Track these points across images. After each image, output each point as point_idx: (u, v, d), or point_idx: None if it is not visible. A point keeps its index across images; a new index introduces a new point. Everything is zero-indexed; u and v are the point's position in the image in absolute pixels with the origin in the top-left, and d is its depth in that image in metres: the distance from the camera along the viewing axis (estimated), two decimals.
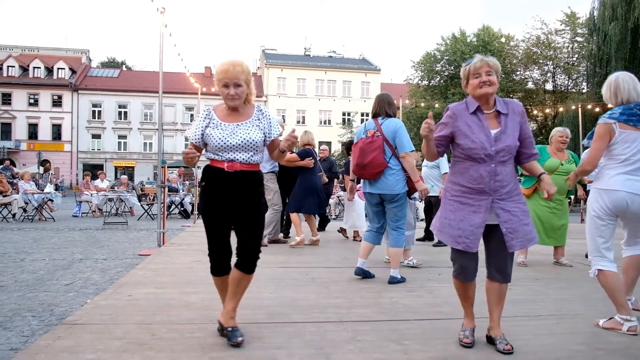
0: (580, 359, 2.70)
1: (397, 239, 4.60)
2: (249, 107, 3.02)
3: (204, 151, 2.97)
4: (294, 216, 7.08)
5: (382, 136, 4.56)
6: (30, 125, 42.90)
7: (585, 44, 30.85)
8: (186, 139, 3.04)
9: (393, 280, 4.56)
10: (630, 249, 3.41)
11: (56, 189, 24.50)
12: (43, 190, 14.37)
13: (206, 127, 2.92)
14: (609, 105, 3.35)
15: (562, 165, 5.62)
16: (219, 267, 3.02)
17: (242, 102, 2.97)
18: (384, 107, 4.71)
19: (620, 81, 3.23)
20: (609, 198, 3.18)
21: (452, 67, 36.93)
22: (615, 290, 3.15)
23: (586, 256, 5.76)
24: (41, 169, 35.41)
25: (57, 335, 2.91)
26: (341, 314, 3.51)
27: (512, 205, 2.78)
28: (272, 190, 6.91)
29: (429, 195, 5.16)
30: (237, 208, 2.91)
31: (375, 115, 4.75)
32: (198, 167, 7.98)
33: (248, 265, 2.93)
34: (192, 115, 44.34)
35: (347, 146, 8.02)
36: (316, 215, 7.68)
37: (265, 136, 2.98)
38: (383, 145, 4.55)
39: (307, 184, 7.08)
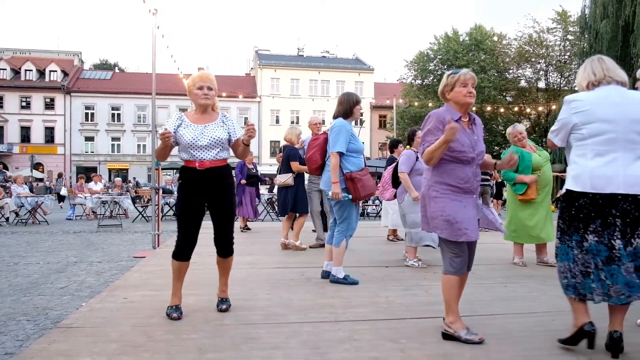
0: (575, 355, 2.72)
1: (335, 237, 4.52)
2: (215, 113, 3.54)
3: (176, 149, 3.44)
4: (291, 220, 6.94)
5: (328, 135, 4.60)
6: (22, 128, 42.59)
7: (576, 42, 31.05)
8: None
9: (332, 279, 4.49)
10: None
11: (50, 192, 24.47)
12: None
13: (178, 126, 3.39)
14: None
15: (540, 155, 5.66)
16: (182, 254, 3.45)
17: (212, 105, 3.48)
18: (336, 110, 4.66)
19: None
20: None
21: (445, 66, 36.99)
22: None
23: None
24: (43, 174, 35.34)
25: (52, 339, 2.90)
26: (337, 313, 3.52)
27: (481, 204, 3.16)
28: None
29: None
30: (210, 201, 3.41)
31: (334, 117, 4.71)
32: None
33: (225, 251, 3.51)
34: None
35: (393, 143, 7.67)
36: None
37: (230, 135, 3.46)
38: (324, 143, 4.65)
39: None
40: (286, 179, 6.68)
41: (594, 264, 2.68)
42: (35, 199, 13.36)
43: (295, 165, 6.68)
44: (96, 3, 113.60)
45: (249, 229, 9.50)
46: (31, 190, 18.24)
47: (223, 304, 3.52)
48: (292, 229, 6.86)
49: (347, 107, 4.55)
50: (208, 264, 5.52)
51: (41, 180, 37.58)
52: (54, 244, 8.51)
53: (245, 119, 45.80)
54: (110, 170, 42.74)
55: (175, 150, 3.53)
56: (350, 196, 4.36)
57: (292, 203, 6.72)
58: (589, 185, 2.68)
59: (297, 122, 44.40)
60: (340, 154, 4.39)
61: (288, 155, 6.82)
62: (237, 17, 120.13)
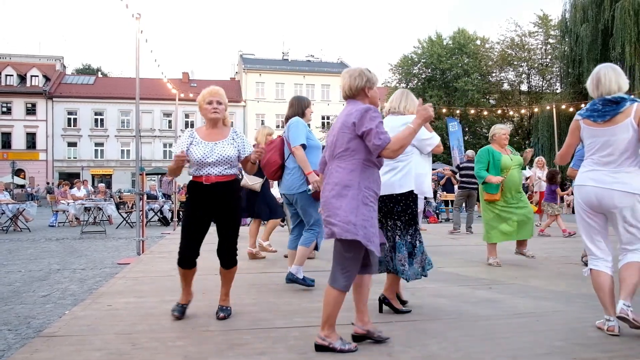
0: (559, 355, 2.75)
1: (305, 237, 4.47)
2: (226, 128, 3.61)
3: (187, 165, 3.48)
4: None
5: (284, 136, 4.57)
6: (3, 134, 41.94)
7: (557, 45, 31.56)
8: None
9: (290, 278, 4.40)
10: (628, 254, 3.12)
11: (32, 199, 24.06)
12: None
13: (190, 144, 3.46)
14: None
15: (512, 159, 5.75)
16: (186, 262, 3.50)
17: (222, 119, 3.56)
18: (290, 111, 4.63)
19: (601, 74, 3.17)
20: (579, 194, 3.21)
21: (429, 70, 37.35)
22: (600, 291, 3.14)
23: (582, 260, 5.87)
24: (25, 181, 34.78)
25: (34, 349, 2.85)
26: None
27: None
28: None
29: None
30: (215, 214, 3.49)
31: (286, 121, 4.69)
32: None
33: (227, 263, 3.56)
34: (169, 122, 43.88)
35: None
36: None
37: (240, 152, 3.54)
38: (281, 144, 4.59)
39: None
40: (254, 182, 6.38)
41: None
42: (16, 206, 13.15)
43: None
44: (79, 7, 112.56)
45: None
46: (12, 197, 17.96)
47: (222, 312, 3.52)
48: (250, 235, 6.56)
49: (299, 110, 4.59)
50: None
51: (22, 187, 37.03)
52: (36, 252, 8.38)
53: (231, 123, 45.61)
54: (93, 176, 42.21)
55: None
56: (312, 189, 4.23)
57: (263, 208, 6.48)
58: None
59: (283, 127, 44.34)
60: (303, 147, 4.35)
61: None
62: (222, 21, 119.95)
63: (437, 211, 16.13)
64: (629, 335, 3.02)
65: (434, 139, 3.59)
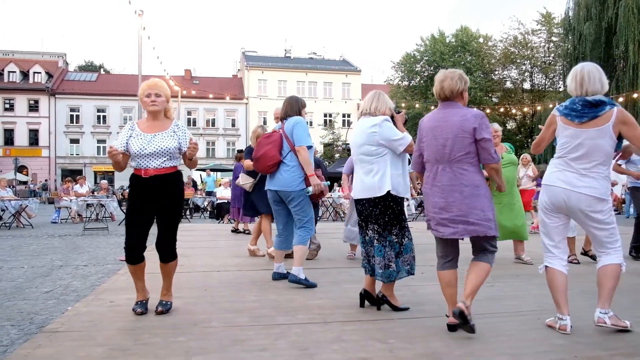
0: (561, 353, 2.75)
1: (301, 236, 4.48)
2: (167, 121, 3.59)
3: (130, 158, 3.52)
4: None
5: (283, 133, 4.56)
6: (5, 130, 42.02)
7: (561, 43, 31.46)
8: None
9: (292, 279, 4.41)
10: (603, 257, 3.14)
11: (34, 195, 24.12)
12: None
13: (129, 137, 3.48)
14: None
15: (502, 158, 5.75)
16: (131, 258, 3.49)
17: (162, 111, 3.54)
18: (288, 109, 4.66)
19: (586, 72, 3.10)
20: (547, 193, 3.19)
21: (431, 68, 37.28)
22: (553, 289, 3.17)
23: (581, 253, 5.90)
24: (28, 177, 34.82)
25: (37, 344, 2.86)
26: (325, 314, 3.52)
27: None
28: None
29: None
30: (156, 208, 3.48)
31: (283, 118, 4.69)
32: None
33: (164, 257, 3.55)
34: None
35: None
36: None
37: (181, 145, 3.52)
38: (280, 140, 4.55)
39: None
40: (246, 182, 6.32)
41: None
42: (19, 202, 13.18)
43: (247, 162, 6.16)
44: (81, 4, 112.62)
45: (239, 231, 9.47)
46: (15, 193, 17.98)
47: (160, 306, 3.53)
48: (252, 232, 6.48)
49: (297, 109, 4.62)
50: (195, 267, 5.50)
51: (25, 183, 37.09)
52: (39, 248, 8.40)
53: (233, 120, 45.72)
54: (95, 173, 42.31)
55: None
56: (311, 190, 4.36)
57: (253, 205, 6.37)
58: None
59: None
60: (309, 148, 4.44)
61: (247, 154, 6.39)
62: (224, 18, 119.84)
63: None
64: (630, 334, 3.02)
65: (405, 139, 3.55)
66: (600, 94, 3.08)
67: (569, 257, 5.87)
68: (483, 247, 3.14)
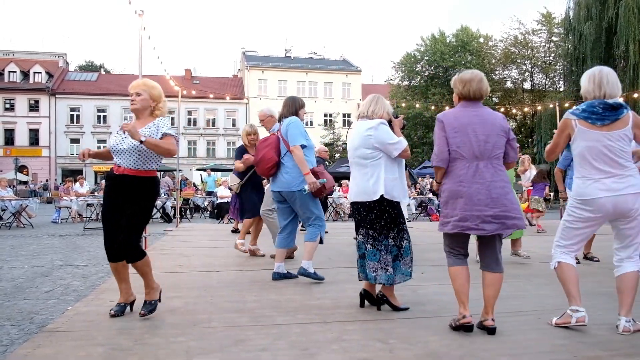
0: (562, 353, 2.75)
1: (311, 232, 4.57)
2: (151, 119, 3.51)
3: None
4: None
5: (280, 134, 4.63)
6: (6, 130, 42.02)
7: (561, 43, 31.43)
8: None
9: (302, 272, 4.50)
10: (625, 263, 3.12)
11: (35, 195, 24.13)
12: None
13: (115, 134, 3.54)
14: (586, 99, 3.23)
15: None
16: (111, 255, 3.40)
17: (144, 110, 3.50)
18: (284, 111, 4.71)
19: (604, 74, 3.12)
20: (589, 206, 3.09)
21: (432, 68, 37.27)
22: (568, 282, 3.17)
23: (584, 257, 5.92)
24: (28, 177, 34.72)
25: (37, 344, 2.86)
26: (325, 314, 3.52)
27: None
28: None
29: None
30: (123, 205, 3.37)
31: (280, 120, 4.75)
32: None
33: (119, 256, 3.37)
34: (172, 119, 43.82)
35: None
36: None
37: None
38: (277, 142, 4.63)
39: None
40: (234, 183, 6.25)
41: None
42: (19, 202, 13.19)
43: (237, 163, 6.16)
44: (82, 4, 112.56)
45: (239, 231, 9.45)
46: (15, 193, 17.98)
47: (142, 309, 3.41)
48: (250, 232, 6.39)
49: (293, 109, 4.67)
50: (195, 267, 5.50)
51: (25, 183, 37.08)
52: (39, 248, 8.41)
53: (233, 120, 45.70)
54: (96, 173, 42.28)
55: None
56: (307, 188, 4.41)
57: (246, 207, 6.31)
58: None
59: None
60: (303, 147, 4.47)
61: (238, 154, 6.31)
62: (224, 18, 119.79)
63: (440, 209, 16.12)
64: (630, 334, 3.01)
65: (401, 144, 3.53)
66: (616, 98, 3.10)
67: (587, 254, 5.92)
68: (495, 248, 3.15)
